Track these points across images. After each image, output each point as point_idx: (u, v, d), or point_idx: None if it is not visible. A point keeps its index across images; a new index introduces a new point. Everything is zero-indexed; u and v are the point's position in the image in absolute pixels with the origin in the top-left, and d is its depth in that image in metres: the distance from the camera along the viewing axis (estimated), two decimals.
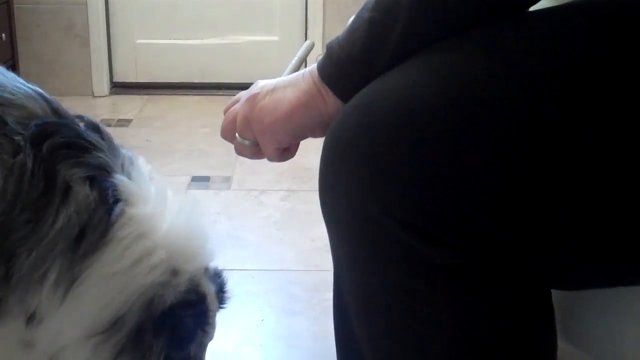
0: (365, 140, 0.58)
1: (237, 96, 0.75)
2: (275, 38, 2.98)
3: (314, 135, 0.70)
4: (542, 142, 0.55)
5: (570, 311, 0.71)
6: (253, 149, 0.72)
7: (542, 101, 0.55)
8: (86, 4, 2.79)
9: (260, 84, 0.71)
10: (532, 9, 0.61)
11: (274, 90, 0.69)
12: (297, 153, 0.76)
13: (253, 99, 0.70)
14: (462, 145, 0.55)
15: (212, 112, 2.56)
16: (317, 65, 0.67)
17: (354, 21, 0.64)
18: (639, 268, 0.60)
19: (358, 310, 0.64)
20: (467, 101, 0.56)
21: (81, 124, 0.73)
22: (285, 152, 0.72)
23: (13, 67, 2.44)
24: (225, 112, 0.75)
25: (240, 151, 0.73)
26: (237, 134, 0.72)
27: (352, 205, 0.58)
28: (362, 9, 0.63)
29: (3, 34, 2.53)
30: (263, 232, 1.86)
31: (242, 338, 1.45)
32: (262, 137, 0.70)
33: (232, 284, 1.67)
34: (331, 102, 0.66)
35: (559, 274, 0.61)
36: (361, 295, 0.62)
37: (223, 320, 1.51)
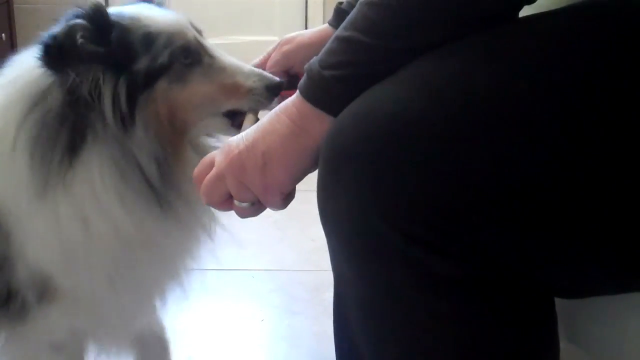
0: (364, 151, 0.57)
1: (208, 160, 0.71)
2: (275, 38, 2.94)
3: (313, 170, 0.67)
4: (543, 151, 0.54)
5: (571, 310, 0.71)
6: (255, 206, 0.69)
7: (543, 109, 0.55)
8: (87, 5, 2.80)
9: (232, 145, 0.67)
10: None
11: (253, 146, 0.66)
12: None
13: (238, 165, 0.66)
14: (463, 155, 0.54)
15: None
16: (300, 90, 0.65)
17: (332, 42, 0.63)
18: None
19: (362, 322, 0.63)
20: (467, 110, 0.55)
21: None
22: (288, 196, 0.69)
23: None
24: (196, 177, 0.71)
25: (242, 214, 0.70)
26: (235, 201, 0.69)
27: (354, 217, 0.57)
28: (339, 30, 0.63)
29: (3, 34, 2.53)
30: (263, 232, 1.86)
31: (242, 338, 1.45)
32: (265, 195, 0.67)
33: (232, 284, 1.67)
34: (317, 131, 0.64)
35: (563, 283, 0.61)
36: (365, 305, 0.62)
37: (223, 320, 1.51)
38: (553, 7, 0.61)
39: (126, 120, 0.84)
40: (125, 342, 1.16)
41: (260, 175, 0.66)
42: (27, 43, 0.94)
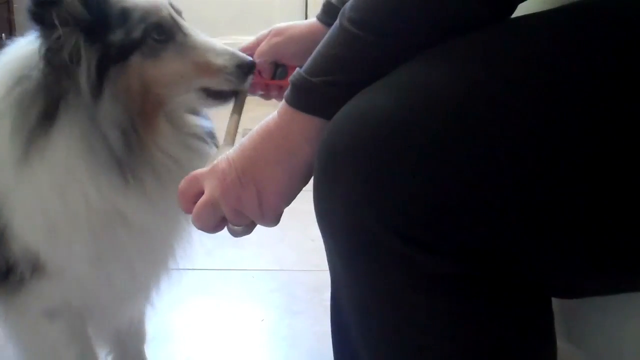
0: (359, 151, 0.57)
1: (192, 177, 0.71)
2: None
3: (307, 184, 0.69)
4: (537, 151, 0.54)
5: (570, 311, 0.71)
6: (249, 227, 0.71)
7: (535, 111, 0.55)
8: None
9: (224, 171, 0.67)
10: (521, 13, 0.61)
11: (244, 176, 0.66)
12: None
13: (234, 197, 0.67)
14: (457, 154, 0.54)
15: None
16: (288, 101, 0.65)
17: (314, 58, 0.64)
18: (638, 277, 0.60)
19: (357, 321, 0.63)
20: (459, 111, 0.55)
21: None
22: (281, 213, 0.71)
23: None
24: (182, 192, 0.71)
25: (236, 235, 0.72)
26: (229, 224, 0.71)
27: (349, 217, 0.58)
28: (321, 47, 0.64)
29: (3, 34, 2.53)
30: (263, 232, 1.85)
31: (242, 338, 1.45)
32: (262, 220, 0.69)
33: (232, 284, 1.67)
34: (306, 150, 0.64)
35: (558, 283, 0.61)
36: (360, 306, 0.62)
37: (223, 320, 1.51)
38: (546, 7, 0.61)
39: (95, 90, 0.86)
40: (121, 323, 1.16)
41: (257, 205, 0.67)
42: None
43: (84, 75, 0.85)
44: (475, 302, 0.57)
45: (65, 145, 0.86)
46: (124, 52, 0.87)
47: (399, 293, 0.58)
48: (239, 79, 0.92)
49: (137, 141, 0.89)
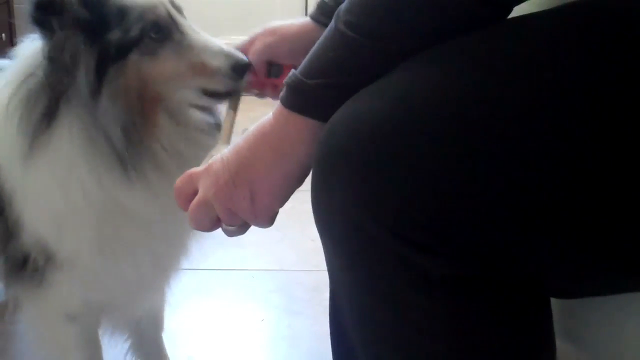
0: (355, 151, 0.57)
1: (188, 174, 0.71)
2: None
3: (300, 185, 0.69)
4: (534, 152, 0.54)
5: (570, 311, 0.71)
6: (243, 227, 0.71)
7: (534, 110, 0.54)
8: None
9: (218, 172, 0.67)
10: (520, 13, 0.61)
11: (238, 176, 0.66)
12: None
13: (227, 197, 0.67)
14: (454, 155, 0.54)
15: None
16: (283, 102, 0.65)
17: (309, 59, 0.64)
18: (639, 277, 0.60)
19: (355, 323, 0.63)
20: (456, 112, 0.55)
21: None
22: (275, 214, 0.70)
23: None
24: (177, 190, 0.71)
25: (230, 235, 0.72)
26: (223, 224, 0.70)
27: (346, 218, 0.57)
28: (316, 49, 0.63)
29: (3, 34, 2.54)
30: (263, 232, 1.85)
31: (242, 338, 1.45)
32: (255, 220, 0.69)
33: (232, 284, 1.67)
34: (301, 151, 0.64)
35: (556, 284, 0.61)
36: (358, 306, 0.62)
37: (223, 320, 1.51)
38: (545, 8, 0.61)
39: (93, 90, 0.87)
40: (135, 315, 1.19)
41: (250, 206, 0.67)
42: None
43: (83, 75, 0.86)
44: (473, 303, 0.57)
45: (67, 141, 0.88)
46: (122, 51, 0.88)
47: (397, 294, 0.58)
48: (234, 80, 0.92)
49: (138, 137, 0.90)
